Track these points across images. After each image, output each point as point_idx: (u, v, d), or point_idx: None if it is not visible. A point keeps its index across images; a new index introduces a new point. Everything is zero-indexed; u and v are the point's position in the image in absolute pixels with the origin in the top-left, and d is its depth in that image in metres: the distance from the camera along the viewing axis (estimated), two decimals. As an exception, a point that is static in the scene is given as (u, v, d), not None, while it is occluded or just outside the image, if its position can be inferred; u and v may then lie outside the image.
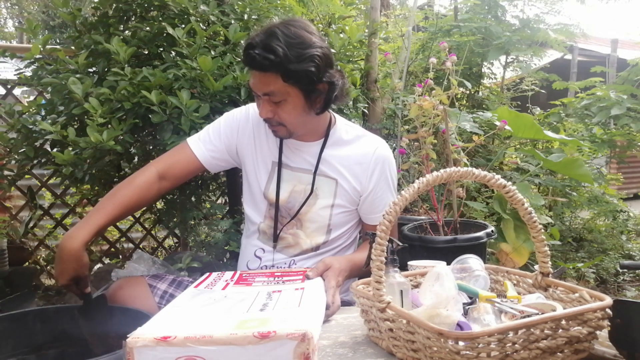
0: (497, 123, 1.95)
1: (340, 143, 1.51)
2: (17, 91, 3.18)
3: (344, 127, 1.55)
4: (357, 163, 1.49)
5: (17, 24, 12.88)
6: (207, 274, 1.28)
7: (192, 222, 2.33)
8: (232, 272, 1.29)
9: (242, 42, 2.09)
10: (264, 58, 1.27)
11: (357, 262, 1.41)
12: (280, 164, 1.50)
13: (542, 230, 0.99)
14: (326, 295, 1.18)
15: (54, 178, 2.99)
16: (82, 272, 1.26)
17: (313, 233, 1.51)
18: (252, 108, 1.55)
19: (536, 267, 1.07)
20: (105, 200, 1.38)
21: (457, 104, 2.90)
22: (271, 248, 1.53)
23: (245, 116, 1.55)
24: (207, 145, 1.51)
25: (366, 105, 2.86)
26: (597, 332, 0.89)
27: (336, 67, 1.43)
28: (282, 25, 1.33)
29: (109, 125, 1.80)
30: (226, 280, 1.21)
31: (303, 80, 1.32)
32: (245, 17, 2.18)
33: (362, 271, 1.44)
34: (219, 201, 2.94)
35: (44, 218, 3.22)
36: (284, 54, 1.27)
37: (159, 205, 2.79)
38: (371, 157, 1.49)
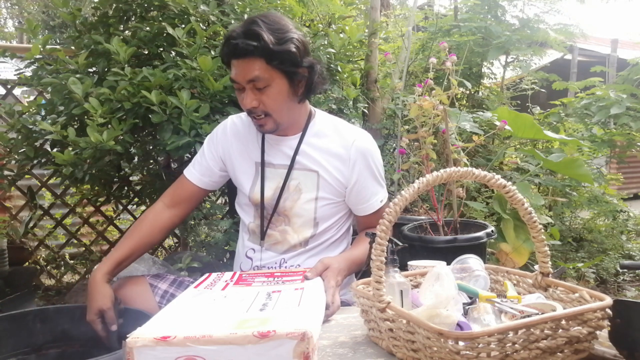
0: (497, 123, 1.95)
1: (319, 135, 1.51)
2: (17, 91, 3.18)
3: (324, 119, 1.55)
4: (337, 155, 1.49)
5: (17, 24, 12.89)
6: (207, 274, 1.28)
7: (192, 222, 2.33)
8: (232, 273, 1.29)
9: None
10: (246, 44, 1.31)
11: (355, 259, 1.42)
12: (263, 163, 1.51)
13: (542, 230, 0.99)
14: (326, 295, 1.18)
15: (54, 178, 2.99)
16: (104, 304, 1.31)
17: (300, 228, 1.50)
18: (229, 120, 1.60)
19: (536, 267, 1.07)
20: (122, 238, 1.50)
21: (457, 104, 2.90)
22: (260, 247, 1.53)
23: (222, 129, 1.59)
24: (197, 168, 1.58)
25: (366, 105, 2.86)
26: (597, 332, 0.89)
27: (312, 55, 1.48)
28: (260, 15, 1.38)
29: (109, 125, 1.80)
30: (226, 281, 1.21)
31: (286, 62, 1.35)
32: (245, 17, 2.18)
33: (361, 268, 1.45)
34: (219, 201, 2.95)
35: (44, 218, 3.23)
36: (266, 37, 1.31)
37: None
38: (350, 148, 1.48)
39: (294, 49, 1.35)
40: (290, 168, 1.49)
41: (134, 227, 1.53)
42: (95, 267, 1.40)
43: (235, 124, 1.58)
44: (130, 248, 1.45)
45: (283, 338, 0.77)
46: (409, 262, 1.31)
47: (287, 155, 1.50)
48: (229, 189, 2.32)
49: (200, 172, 1.57)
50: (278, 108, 1.40)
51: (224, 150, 1.56)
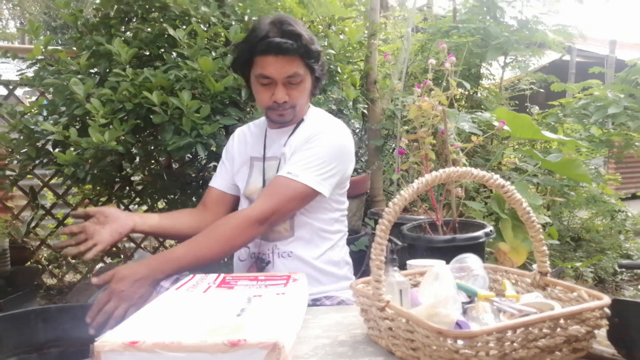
0: (496, 123, 1.95)
1: (305, 126, 1.56)
2: (19, 92, 3.19)
3: (315, 113, 1.60)
4: (301, 138, 1.51)
5: (19, 25, 12.86)
6: (191, 275, 1.26)
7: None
8: (216, 275, 1.26)
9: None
10: (289, 43, 1.39)
11: (163, 259, 1.36)
12: (264, 158, 1.57)
13: (541, 230, 1.00)
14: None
15: (56, 178, 3.00)
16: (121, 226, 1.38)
17: None
18: (238, 130, 1.71)
19: (534, 266, 1.07)
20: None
21: (456, 104, 2.91)
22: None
23: (231, 139, 1.70)
24: (220, 174, 1.68)
25: (366, 106, 2.87)
26: (596, 331, 0.89)
27: None
28: (282, 16, 1.47)
29: (111, 126, 1.81)
30: (209, 283, 1.18)
31: (317, 60, 1.48)
32: (246, 18, 2.19)
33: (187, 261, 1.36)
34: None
35: (46, 218, 3.23)
36: (306, 36, 1.42)
37: (161, 205, 2.80)
38: (313, 128, 1.50)
39: (320, 48, 1.48)
40: (280, 162, 1.54)
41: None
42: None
43: (243, 132, 1.68)
44: (165, 217, 1.54)
45: (254, 347, 0.75)
46: (408, 262, 1.32)
47: (280, 148, 1.56)
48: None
49: (221, 177, 1.66)
50: (303, 102, 1.51)
51: (232, 155, 1.65)
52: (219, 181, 1.67)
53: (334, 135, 1.50)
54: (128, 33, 2.17)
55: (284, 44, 1.39)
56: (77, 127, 1.95)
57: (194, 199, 2.30)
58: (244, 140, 1.65)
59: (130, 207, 3.20)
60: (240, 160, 1.63)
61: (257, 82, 1.47)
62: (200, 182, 2.39)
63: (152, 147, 2.22)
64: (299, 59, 1.43)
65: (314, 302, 1.48)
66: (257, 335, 0.79)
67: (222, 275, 1.26)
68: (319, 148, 1.45)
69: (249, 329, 0.83)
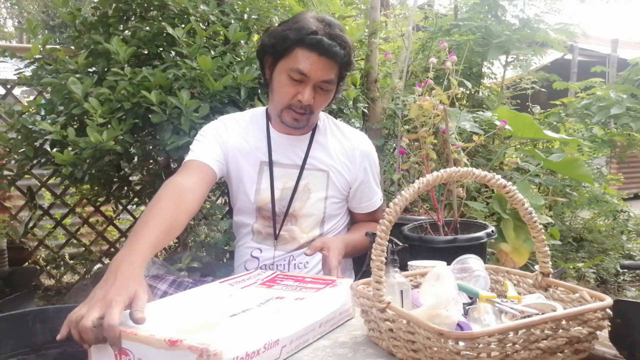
0: (497, 123, 1.94)
1: (325, 135, 1.55)
2: (17, 91, 3.19)
3: (327, 121, 1.60)
4: (344, 156, 1.54)
5: (16, 23, 12.91)
6: (252, 269, 1.30)
7: (192, 222, 2.33)
8: (272, 272, 1.25)
9: (242, 42, 2.09)
10: (339, 49, 1.36)
11: (352, 243, 1.51)
12: (271, 163, 1.50)
13: (542, 230, 0.99)
14: (332, 273, 1.29)
15: (54, 178, 3.00)
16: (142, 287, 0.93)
17: (308, 227, 1.52)
18: (226, 120, 1.54)
19: (536, 267, 1.06)
20: (146, 220, 1.13)
21: (457, 103, 2.90)
22: (269, 247, 1.53)
23: (222, 126, 1.50)
24: (213, 154, 1.43)
25: (366, 105, 2.86)
26: (598, 332, 0.89)
27: None
28: (327, 17, 1.42)
29: (109, 125, 1.81)
30: (257, 279, 1.19)
31: (348, 73, 1.46)
32: (245, 17, 2.19)
33: (356, 253, 1.56)
34: (219, 201, 2.95)
35: (44, 218, 3.23)
36: (349, 48, 1.40)
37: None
38: (355, 150, 1.55)
39: (352, 63, 1.45)
40: (302, 168, 1.50)
41: (157, 206, 1.18)
42: (119, 256, 1.00)
43: (230, 124, 1.53)
44: (163, 231, 1.12)
45: (185, 350, 0.77)
46: (409, 262, 1.31)
47: (298, 156, 1.51)
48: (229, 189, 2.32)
49: (211, 155, 1.42)
50: (320, 110, 1.48)
51: (227, 144, 1.47)
52: (207, 157, 1.39)
53: (372, 145, 1.62)
54: (126, 32, 2.16)
55: (334, 47, 1.35)
56: (75, 126, 1.94)
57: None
58: (242, 136, 1.50)
59: (129, 207, 3.20)
60: (245, 163, 1.49)
61: (288, 75, 1.37)
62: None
63: (151, 147, 2.21)
64: (338, 68, 1.39)
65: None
66: (195, 338, 0.79)
67: (277, 272, 1.27)
68: (377, 167, 1.63)
69: (216, 330, 0.83)
